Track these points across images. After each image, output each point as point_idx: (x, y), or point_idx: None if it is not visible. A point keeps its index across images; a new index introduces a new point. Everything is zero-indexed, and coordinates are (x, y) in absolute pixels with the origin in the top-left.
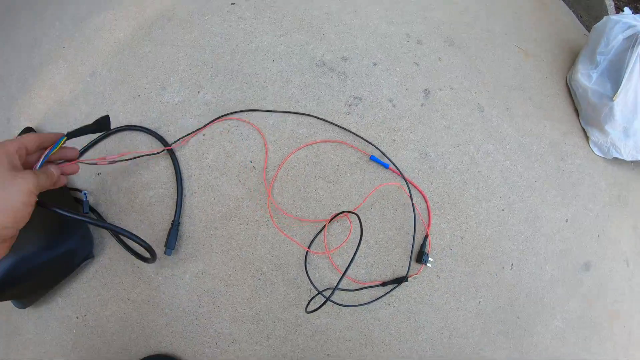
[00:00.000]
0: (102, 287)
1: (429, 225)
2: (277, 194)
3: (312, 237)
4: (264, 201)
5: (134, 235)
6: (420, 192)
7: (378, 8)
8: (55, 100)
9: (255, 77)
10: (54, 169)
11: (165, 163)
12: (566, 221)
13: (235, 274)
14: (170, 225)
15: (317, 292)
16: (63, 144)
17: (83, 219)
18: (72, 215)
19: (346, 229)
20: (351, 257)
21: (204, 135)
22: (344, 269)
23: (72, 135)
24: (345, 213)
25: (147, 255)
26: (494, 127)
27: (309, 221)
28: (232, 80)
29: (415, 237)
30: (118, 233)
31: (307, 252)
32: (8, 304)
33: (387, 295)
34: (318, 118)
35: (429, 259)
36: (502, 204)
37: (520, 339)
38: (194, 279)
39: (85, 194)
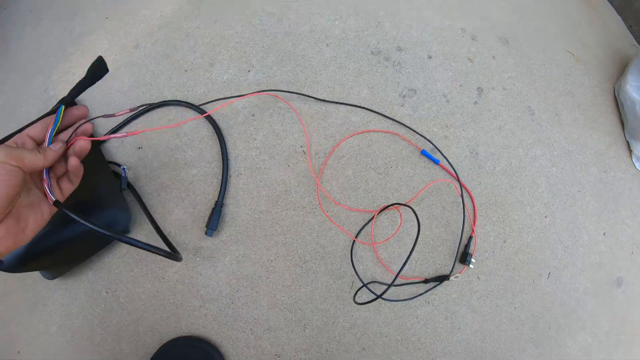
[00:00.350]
0: (136, 263)
1: (474, 225)
2: (326, 182)
3: (358, 228)
4: (313, 188)
5: (149, 245)
6: (468, 191)
7: (435, 0)
8: None
9: (308, 60)
10: (53, 146)
11: (211, 142)
12: (604, 234)
13: (277, 261)
14: (213, 206)
15: (362, 285)
16: (63, 113)
17: (95, 228)
18: (84, 223)
19: (394, 223)
20: (398, 250)
21: (253, 115)
22: (389, 263)
23: (69, 99)
24: (396, 205)
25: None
26: (543, 131)
27: (358, 210)
28: (284, 62)
29: (462, 235)
30: (134, 245)
31: (353, 241)
32: (36, 273)
33: (428, 293)
34: (371, 110)
35: (472, 260)
36: (545, 211)
37: (549, 349)
38: (234, 263)
39: (124, 168)
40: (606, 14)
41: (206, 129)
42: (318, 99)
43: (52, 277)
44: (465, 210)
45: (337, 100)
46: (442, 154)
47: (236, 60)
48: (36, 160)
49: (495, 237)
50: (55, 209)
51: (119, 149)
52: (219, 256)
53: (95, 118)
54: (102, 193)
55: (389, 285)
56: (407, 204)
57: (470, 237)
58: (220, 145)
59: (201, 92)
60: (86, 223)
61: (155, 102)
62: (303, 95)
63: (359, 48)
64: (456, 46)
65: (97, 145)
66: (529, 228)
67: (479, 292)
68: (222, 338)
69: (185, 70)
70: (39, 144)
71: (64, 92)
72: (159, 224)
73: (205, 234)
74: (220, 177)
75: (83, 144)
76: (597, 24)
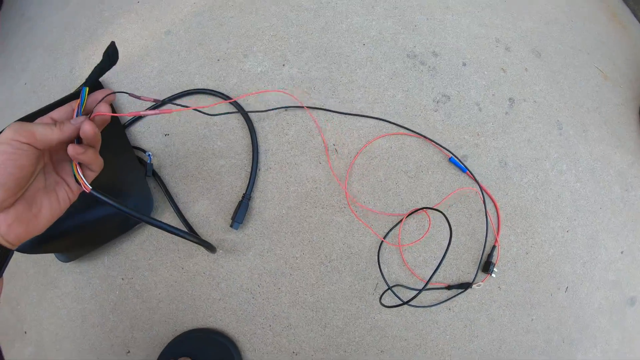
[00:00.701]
0: (155, 251)
1: (497, 235)
2: (357, 182)
3: (386, 230)
4: (342, 187)
5: (188, 233)
6: (494, 201)
7: (471, 7)
8: (124, 55)
9: (344, 58)
10: (72, 120)
11: (242, 133)
12: (622, 252)
13: (302, 258)
14: (240, 198)
15: (387, 288)
16: (87, 94)
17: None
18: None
19: (420, 227)
20: (423, 255)
21: (286, 110)
22: (413, 267)
23: (90, 81)
24: (426, 209)
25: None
26: (570, 147)
27: (387, 214)
28: (319, 58)
29: (485, 244)
30: (171, 232)
31: (381, 242)
32: (49, 255)
33: (450, 299)
34: (396, 124)
35: (495, 269)
36: (567, 225)
37: None
38: (258, 257)
39: (149, 155)
40: (635, 33)
41: (237, 120)
42: (342, 113)
43: (67, 260)
44: (490, 219)
45: (358, 113)
46: (464, 165)
47: (271, 53)
48: (50, 133)
49: (518, 248)
50: (74, 196)
51: (145, 135)
52: (243, 250)
53: (119, 92)
54: (125, 179)
55: (419, 291)
56: (439, 209)
57: (494, 247)
58: (251, 137)
59: (233, 83)
60: (133, 213)
61: (185, 89)
62: (328, 110)
63: (395, 50)
64: (490, 55)
65: (122, 129)
66: (551, 241)
67: (498, 301)
68: (239, 333)
69: (218, 60)
70: None
71: (88, 73)
72: (183, 213)
73: (231, 226)
74: (248, 170)
75: (103, 113)
76: (626, 42)
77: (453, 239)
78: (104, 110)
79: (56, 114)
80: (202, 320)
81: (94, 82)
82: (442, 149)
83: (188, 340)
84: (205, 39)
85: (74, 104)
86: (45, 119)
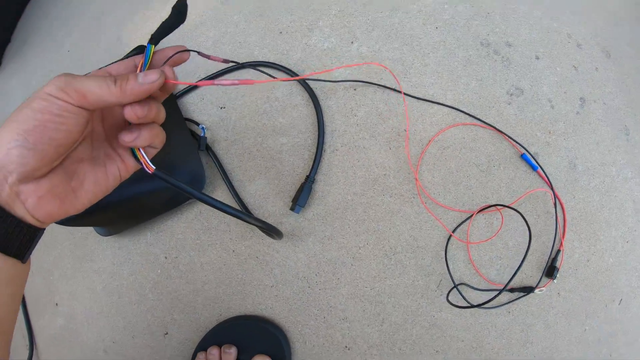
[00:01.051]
0: (204, 231)
1: (563, 239)
2: (428, 171)
3: (454, 224)
4: (413, 175)
5: (260, 220)
6: (562, 204)
7: None
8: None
9: (416, 40)
10: (139, 75)
11: (306, 111)
12: None
13: (366, 248)
14: (303, 181)
15: (453, 286)
16: (153, 51)
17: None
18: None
19: (489, 224)
20: (489, 254)
21: (355, 90)
22: (478, 265)
23: (156, 38)
24: (499, 207)
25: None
26: (635, 153)
27: (455, 210)
28: (390, 38)
29: (552, 248)
30: (237, 217)
31: (450, 237)
32: (88, 227)
33: (511, 302)
34: (471, 116)
35: (557, 275)
36: (628, 235)
37: None
38: (318, 244)
39: (203, 128)
40: None
41: (301, 97)
42: (418, 98)
43: (107, 234)
44: (557, 222)
45: (432, 99)
46: (536, 163)
47: (338, 30)
48: (107, 94)
49: (580, 254)
50: (128, 174)
51: (199, 106)
52: (302, 235)
53: (189, 50)
54: (177, 152)
55: (495, 296)
56: (516, 209)
57: (559, 251)
58: (317, 116)
59: (297, 58)
60: (210, 200)
61: (245, 61)
62: (401, 92)
63: (468, 37)
64: (562, 51)
65: (174, 98)
66: (611, 250)
67: (556, 308)
68: (290, 323)
69: (280, 33)
70: None
71: (138, 42)
72: (238, 192)
73: (291, 209)
74: (312, 150)
75: (173, 81)
76: None
77: (520, 239)
78: (168, 73)
79: (113, 68)
80: (251, 307)
81: (161, 38)
82: (515, 144)
83: (234, 327)
84: (265, 11)
85: (137, 59)
86: (100, 72)
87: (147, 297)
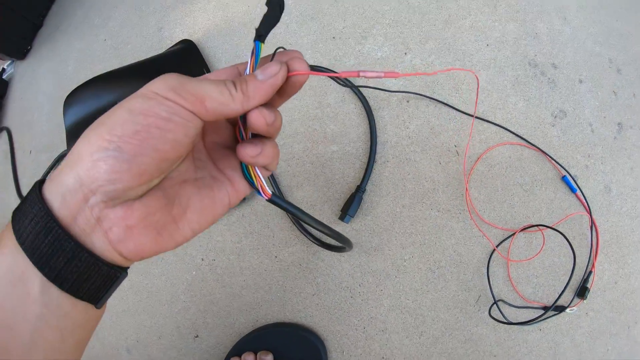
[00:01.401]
0: (246, 235)
1: (595, 260)
2: (474, 188)
3: (497, 242)
4: (461, 191)
5: (330, 229)
6: (596, 226)
7: (587, 22)
8: (223, 19)
9: (468, 56)
10: (259, 73)
11: (358, 120)
12: None
13: (411, 261)
14: (353, 190)
15: (493, 302)
16: (262, 49)
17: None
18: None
19: (528, 243)
20: (526, 272)
21: (408, 101)
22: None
23: (264, 34)
24: (541, 227)
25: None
26: None
27: (499, 228)
28: (443, 52)
29: (586, 269)
30: (311, 226)
31: (493, 251)
32: None
33: (544, 320)
34: (518, 136)
35: (587, 295)
36: None
37: None
38: (364, 255)
39: None
40: None
41: (354, 105)
42: (469, 114)
43: None
44: (592, 245)
45: (482, 117)
46: (576, 185)
47: (392, 39)
48: (229, 100)
49: (609, 276)
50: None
51: None
52: None
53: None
54: None
55: (540, 315)
56: (559, 230)
57: (590, 272)
58: (370, 125)
59: (350, 64)
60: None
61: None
62: (453, 108)
63: (517, 56)
64: (603, 75)
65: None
66: (637, 274)
67: (583, 327)
68: (329, 332)
69: (333, 38)
70: None
71: (180, 35)
72: (285, 198)
73: (340, 218)
74: (363, 160)
75: (302, 72)
76: None
77: (556, 259)
78: (300, 67)
79: (214, 76)
80: (290, 315)
81: (269, 32)
82: (558, 166)
83: (271, 333)
84: (318, 14)
85: (240, 66)
86: (212, 76)
87: (179, 298)
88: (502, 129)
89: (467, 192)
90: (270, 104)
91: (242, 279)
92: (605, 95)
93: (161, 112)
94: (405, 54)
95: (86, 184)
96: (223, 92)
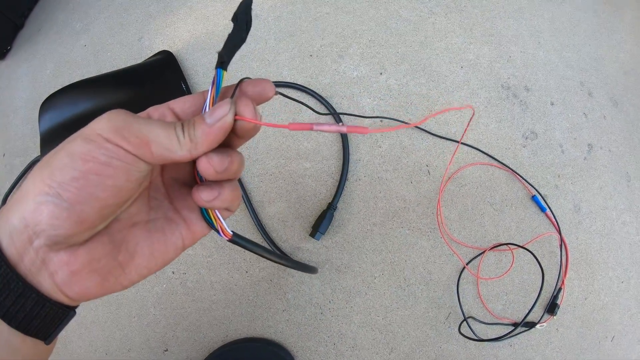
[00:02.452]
0: (217, 250)
1: (564, 277)
2: (445, 207)
3: (467, 260)
4: (432, 210)
5: (293, 261)
6: (565, 244)
7: (560, 46)
8: (204, 32)
9: (442, 78)
10: (208, 116)
11: (331, 137)
12: None
13: (381, 278)
14: (324, 207)
15: (463, 319)
16: (224, 77)
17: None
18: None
19: (498, 261)
20: (495, 290)
21: (381, 121)
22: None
23: (225, 57)
24: (511, 246)
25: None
26: (635, 199)
27: (468, 246)
28: (418, 73)
29: (555, 286)
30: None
31: (462, 269)
32: None
33: (514, 336)
34: (489, 156)
35: (557, 311)
36: (623, 276)
37: None
38: (334, 272)
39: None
40: None
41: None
42: (438, 136)
43: None
44: (562, 263)
45: (452, 138)
46: (546, 205)
47: (368, 59)
48: (176, 146)
49: (579, 292)
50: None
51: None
52: (319, 262)
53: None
54: None
55: (510, 331)
56: (529, 249)
57: (560, 289)
58: (343, 144)
59: (326, 83)
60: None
61: (272, 80)
62: (424, 131)
63: (491, 78)
64: (575, 98)
65: None
66: (607, 290)
67: (554, 343)
68: (299, 348)
69: (310, 55)
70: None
71: (160, 45)
72: (256, 213)
73: (311, 236)
74: (335, 178)
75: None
76: None
77: (525, 276)
78: (248, 113)
79: (177, 104)
80: (260, 330)
81: (232, 56)
82: (528, 185)
83: (241, 348)
84: (297, 31)
85: (206, 94)
86: (161, 110)
87: (149, 311)
88: (473, 149)
89: (439, 209)
90: (227, 145)
91: (212, 293)
92: (576, 117)
93: (100, 156)
94: (381, 74)
95: (30, 225)
96: (170, 137)
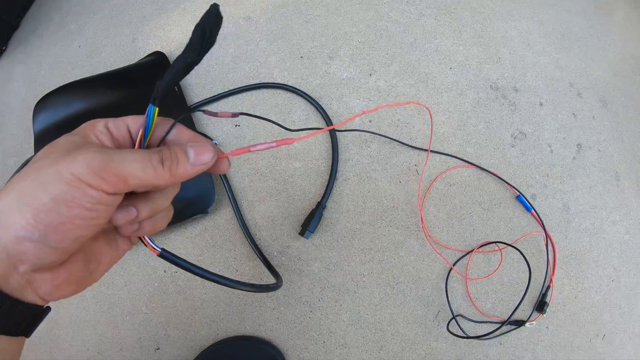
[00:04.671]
0: (208, 248)
1: (552, 276)
2: (434, 206)
3: (455, 259)
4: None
5: (240, 283)
6: (552, 243)
7: (549, 48)
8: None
9: (431, 78)
10: (193, 153)
11: (321, 137)
12: None
13: (370, 276)
14: (314, 207)
15: (452, 317)
16: (156, 115)
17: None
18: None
19: (487, 260)
20: (485, 288)
21: (370, 121)
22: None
23: (160, 91)
24: (499, 245)
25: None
26: (624, 199)
27: (454, 249)
28: (407, 74)
29: (544, 285)
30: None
31: (450, 269)
32: None
33: (503, 334)
34: (473, 164)
35: (547, 309)
36: (613, 275)
37: None
38: (323, 270)
39: (215, 143)
40: None
41: (317, 123)
42: (419, 149)
43: None
44: (548, 261)
45: (437, 150)
46: (530, 205)
47: (358, 60)
48: (152, 178)
49: (569, 291)
50: (133, 245)
51: (213, 121)
52: (308, 260)
53: (195, 110)
54: None
55: (496, 329)
56: (517, 247)
57: (548, 287)
58: (332, 143)
59: (316, 84)
60: (214, 278)
61: (262, 81)
62: (403, 144)
63: (480, 79)
64: (564, 99)
65: (188, 110)
66: (597, 288)
67: (544, 341)
68: (289, 346)
69: (301, 57)
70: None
71: (153, 46)
72: (246, 213)
73: (300, 234)
74: (324, 177)
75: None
76: None
77: (514, 274)
78: (222, 167)
79: (134, 121)
80: (250, 329)
81: (172, 86)
82: (511, 187)
83: (232, 346)
84: (288, 33)
85: (160, 120)
86: (119, 123)
87: (141, 309)
88: (461, 150)
89: (421, 215)
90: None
91: (203, 292)
92: (565, 117)
93: (85, 203)
94: (370, 75)
95: (14, 255)
96: (147, 170)
